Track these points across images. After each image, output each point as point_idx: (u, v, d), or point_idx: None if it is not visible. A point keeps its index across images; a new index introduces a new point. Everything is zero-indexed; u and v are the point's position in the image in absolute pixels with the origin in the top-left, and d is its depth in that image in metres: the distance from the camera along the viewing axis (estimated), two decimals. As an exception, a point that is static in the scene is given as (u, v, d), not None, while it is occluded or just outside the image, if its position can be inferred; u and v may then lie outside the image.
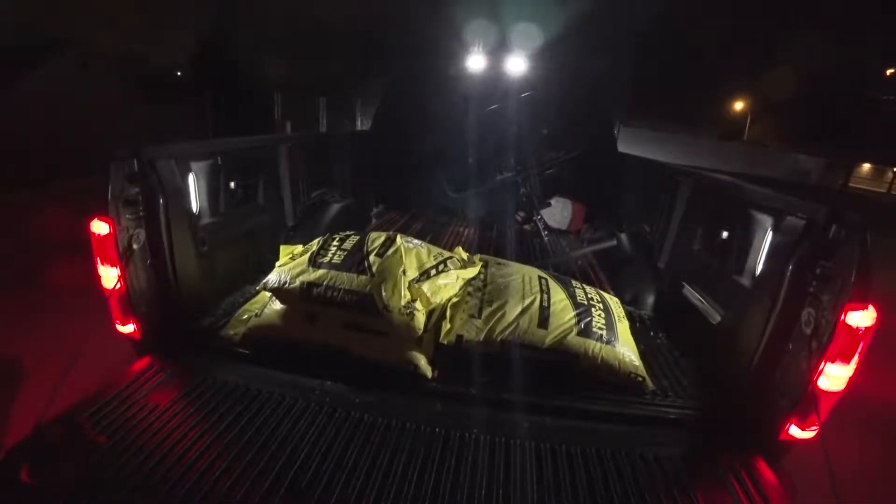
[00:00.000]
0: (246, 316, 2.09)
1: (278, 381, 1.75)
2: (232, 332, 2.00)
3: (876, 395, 3.02)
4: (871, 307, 1.40)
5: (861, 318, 1.40)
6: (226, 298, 2.31)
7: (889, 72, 27.07)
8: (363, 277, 1.79)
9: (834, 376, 1.47)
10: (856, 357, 1.45)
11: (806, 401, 1.48)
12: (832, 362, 1.45)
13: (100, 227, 1.72)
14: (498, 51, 4.04)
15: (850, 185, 30.03)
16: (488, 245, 3.75)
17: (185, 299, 2.00)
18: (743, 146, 28.52)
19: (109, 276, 1.76)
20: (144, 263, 1.84)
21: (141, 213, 1.81)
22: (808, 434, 1.53)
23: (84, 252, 1.79)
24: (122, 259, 1.74)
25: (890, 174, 31.81)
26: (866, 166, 33.87)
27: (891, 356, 2.72)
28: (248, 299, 2.29)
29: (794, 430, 1.54)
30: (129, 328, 1.85)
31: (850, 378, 1.49)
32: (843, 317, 1.40)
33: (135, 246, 1.79)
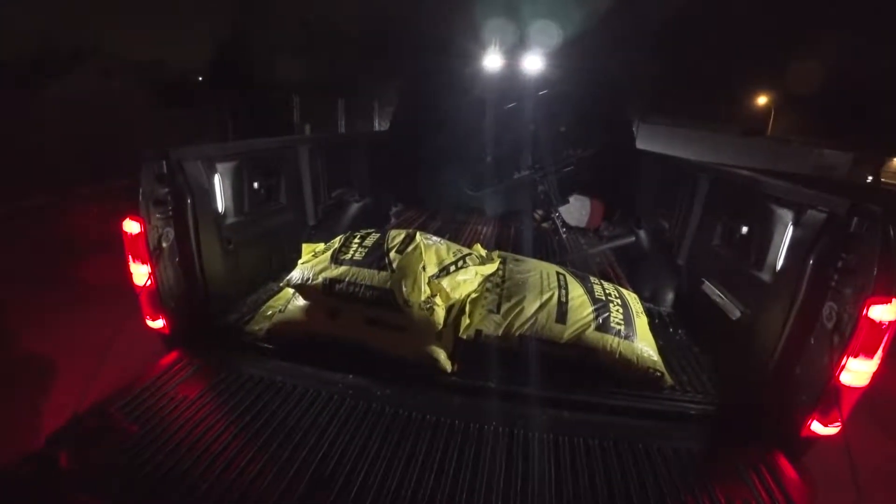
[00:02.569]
0: (270, 312, 2.16)
1: (302, 374, 1.80)
2: (257, 328, 2.06)
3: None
4: (894, 301, 1.38)
5: (884, 311, 1.38)
6: (250, 295, 2.38)
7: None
8: (384, 273, 1.84)
9: (857, 371, 1.44)
10: (879, 352, 1.43)
11: (828, 396, 1.47)
12: (855, 357, 1.43)
13: (132, 227, 1.79)
14: (515, 49, 4.06)
15: (882, 180, 29.07)
16: (506, 242, 3.76)
17: (212, 296, 2.08)
18: (767, 141, 27.80)
19: (141, 273, 1.83)
20: (173, 261, 1.91)
21: (170, 213, 1.88)
22: (831, 430, 1.52)
23: (109, 251, 1.87)
24: (153, 257, 1.81)
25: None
26: (896, 161, 32.73)
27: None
28: (271, 296, 2.36)
29: (817, 427, 1.53)
30: (158, 323, 1.93)
31: (874, 373, 1.46)
32: (865, 311, 1.38)
33: (164, 244, 1.86)
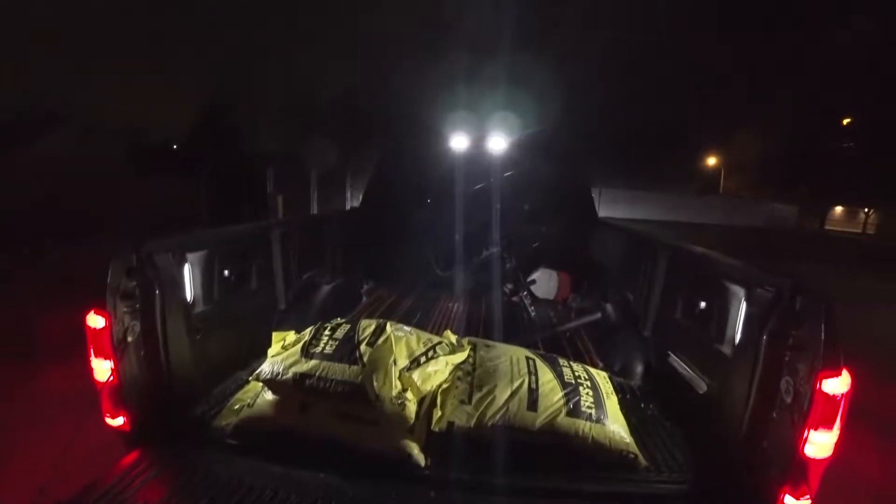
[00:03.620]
0: (238, 406, 2.09)
1: (271, 474, 1.72)
2: (224, 423, 1.99)
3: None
4: (844, 372, 1.45)
5: (836, 384, 1.44)
6: (218, 386, 2.31)
7: (846, 121, 28.80)
8: (355, 367, 1.83)
9: (819, 443, 1.48)
10: (837, 422, 1.48)
11: (796, 470, 1.49)
12: (815, 430, 1.47)
13: (96, 321, 1.75)
14: (480, 134, 4.32)
15: (826, 227, 31.13)
16: (477, 319, 3.80)
17: (178, 389, 2.01)
18: (721, 198, 29.54)
19: (102, 368, 1.77)
20: (138, 355, 1.86)
21: (137, 306, 1.84)
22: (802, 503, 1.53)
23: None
24: (117, 351, 1.76)
25: (862, 215, 33.11)
26: (839, 209, 35.23)
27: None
28: (240, 387, 2.29)
29: (790, 501, 1.53)
30: (118, 421, 1.84)
31: (836, 444, 1.51)
32: (818, 385, 1.43)
33: (129, 338, 1.81)
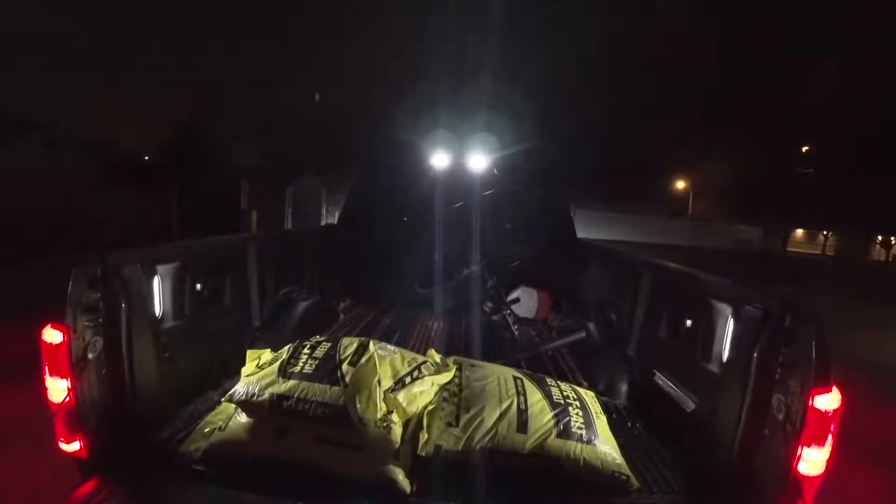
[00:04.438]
0: (208, 429, 1.94)
1: None
2: (193, 448, 1.84)
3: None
4: (834, 389, 1.45)
5: (828, 401, 1.44)
6: (186, 408, 2.16)
7: (805, 148, 30.44)
8: (336, 389, 1.73)
9: (812, 460, 1.47)
10: (829, 439, 1.48)
11: (791, 487, 1.48)
12: (808, 447, 1.46)
13: (53, 336, 1.61)
14: (460, 153, 4.33)
15: (788, 249, 32.60)
16: (458, 338, 3.74)
17: (142, 411, 1.87)
18: (689, 221, 30.62)
19: (58, 388, 1.63)
20: (99, 373, 1.72)
21: (100, 321, 1.72)
22: (800, 522, 1.51)
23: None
24: (75, 369, 1.63)
25: (821, 237, 34.85)
26: (799, 231, 36.94)
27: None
28: (210, 408, 2.15)
29: (784, 518, 1.52)
30: (74, 446, 1.67)
31: (828, 461, 1.50)
32: (810, 401, 1.43)
33: (90, 355, 1.68)
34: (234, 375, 2.32)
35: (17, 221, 8.24)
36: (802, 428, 1.45)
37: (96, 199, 10.60)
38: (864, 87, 25.47)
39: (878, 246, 33.56)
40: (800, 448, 1.46)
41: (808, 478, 1.48)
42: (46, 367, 1.64)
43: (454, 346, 3.37)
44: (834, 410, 1.45)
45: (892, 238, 32.14)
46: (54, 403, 1.63)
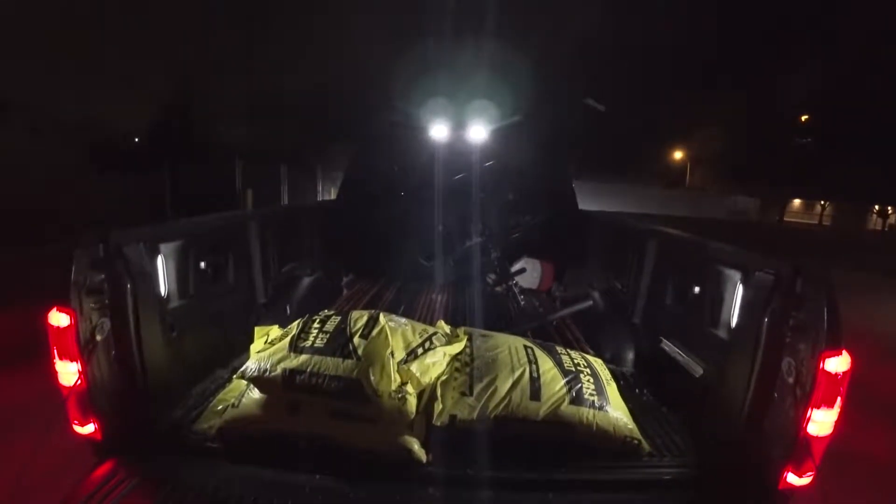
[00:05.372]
0: (221, 406, 1.95)
1: (262, 480, 1.61)
2: (206, 426, 1.85)
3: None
4: (844, 352, 1.47)
5: (838, 363, 1.47)
6: (196, 386, 2.17)
7: (804, 118, 30.21)
8: (349, 362, 1.73)
9: (821, 422, 1.51)
10: (838, 401, 1.51)
11: (799, 448, 1.51)
12: (817, 408, 1.49)
13: (59, 319, 1.59)
14: (460, 122, 4.25)
15: (785, 219, 32.71)
16: (462, 310, 3.75)
17: (154, 391, 1.86)
18: (686, 192, 30.56)
19: (68, 372, 1.62)
20: (108, 355, 1.71)
21: (106, 302, 1.69)
22: (805, 481, 1.56)
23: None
24: (84, 352, 1.61)
25: (818, 207, 34.94)
26: (797, 202, 36.99)
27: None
28: (220, 386, 2.16)
29: (792, 478, 1.56)
30: (89, 428, 1.68)
31: (836, 422, 1.53)
32: (821, 364, 1.46)
33: (98, 337, 1.66)
34: (242, 353, 2.32)
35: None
36: (812, 390, 1.48)
37: (85, 184, 10.37)
38: (861, 58, 25.21)
39: (874, 216, 33.74)
40: (809, 410, 1.49)
41: (816, 438, 1.52)
42: (55, 351, 1.62)
43: (459, 318, 3.38)
44: (843, 373, 1.47)
45: (889, 208, 32.30)
46: (66, 387, 1.62)
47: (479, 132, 4.24)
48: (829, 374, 1.46)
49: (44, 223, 7.89)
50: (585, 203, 4.77)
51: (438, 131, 4.26)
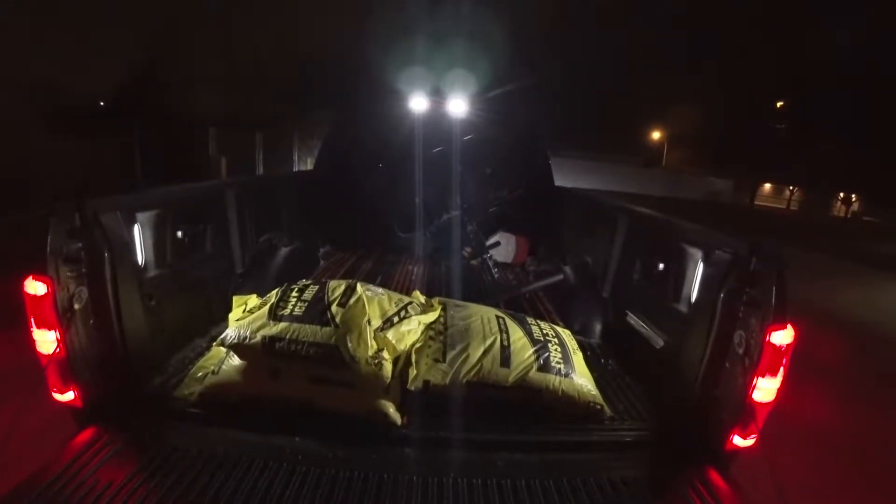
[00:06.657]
0: (201, 373, 1.99)
1: (243, 442, 1.67)
2: (187, 392, 1.89)
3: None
4: (789, 326, 1.60)
5: (783, 336, 1.60)
6: (176, 354, 2.20)
7: (779, 104, 30.75)
8: (327, 329, 1.79)
9: (765, 389, 1.65)
10: (781, 371, 1.64)
11: (745, 412, 1.65)
12: (762, 377, 1.63)
13: (36, 288, 1.60)
14: (438, 95, 4.23)
15: (756, 202, 33.62)
16: (438, 282, 3.82)
17: (133, 359, 1.88)
18: (662, 172, 30.99)
19: (47, 340, 1.63)
20: (87, 324, 1.72)
21: (83, 270, 1.70)
22: (749, 442, 1.70)
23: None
24: (62, 320, 1.63)
25: (787, 192, 35.99)
26: (767, 186, 37.98)
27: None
28: (199, 354, 2.19)
29: (738, 440, 1.71)
30: (68, 396, 1.70)
31: (778, 389, 1.67)
32: (768, 337, 1.58)
33: (76, 305, 1.67)
34: (220, 322, 2.35)
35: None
36: (759, 360, 1.61)
37: (46, 150, 9.76)
38: (841, 46, 25.62)
39: (839, 203, 34.95)
40: (755, 378, 1.62)
41: (760, 404, 1.66)
42: (32, 320, 1.63)
43: (435, 290, 3.45)
44: (787, 345, 1.61)
45: (853, 196, 33.51)
46: (44, 355, 1.63)
47: (458, 105, 4.24)
48: (773, 346, 1.59)
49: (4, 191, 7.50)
50: (562, 180, 4.84)
51: (417, 103, 4.24)
